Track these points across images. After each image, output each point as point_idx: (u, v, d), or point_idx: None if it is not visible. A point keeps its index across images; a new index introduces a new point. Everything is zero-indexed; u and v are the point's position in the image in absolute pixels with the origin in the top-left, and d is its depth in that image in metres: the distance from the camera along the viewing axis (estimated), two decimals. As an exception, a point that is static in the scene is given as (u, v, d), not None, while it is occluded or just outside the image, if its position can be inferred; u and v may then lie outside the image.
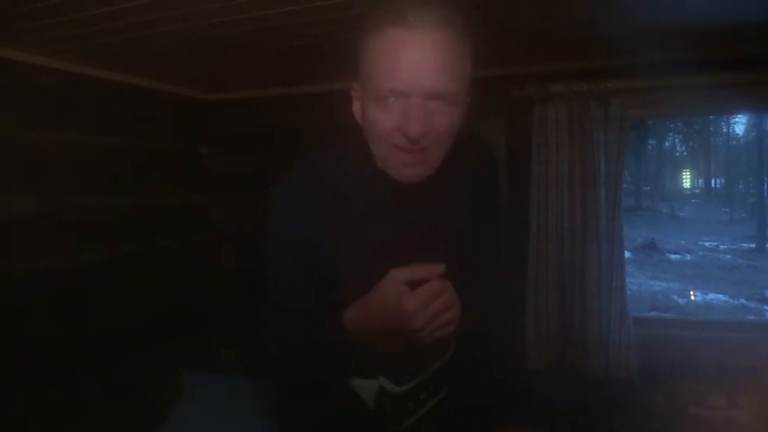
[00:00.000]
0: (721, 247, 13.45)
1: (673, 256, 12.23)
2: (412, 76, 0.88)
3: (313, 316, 1.00)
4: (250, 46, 1.99)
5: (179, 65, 2.28)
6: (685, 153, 24.42)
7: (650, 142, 21.28)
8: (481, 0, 1.51)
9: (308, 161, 1.08)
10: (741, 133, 22.67)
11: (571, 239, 2.32)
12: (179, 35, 1.79)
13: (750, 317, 7.69)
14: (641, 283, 9.67)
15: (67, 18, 1.57)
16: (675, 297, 8.83)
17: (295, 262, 1.04)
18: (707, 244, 13.81)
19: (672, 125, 19.94)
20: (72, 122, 2.16)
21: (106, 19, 1.58)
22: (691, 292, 8.89)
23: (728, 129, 22.45)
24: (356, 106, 1.02)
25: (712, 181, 24.70)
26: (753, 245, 13.31)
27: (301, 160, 1.07)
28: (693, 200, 22.63)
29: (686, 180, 25.13)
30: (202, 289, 2.89)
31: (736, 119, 20.93)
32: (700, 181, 25.51)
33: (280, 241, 1.07)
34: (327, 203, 1.01)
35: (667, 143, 23.27)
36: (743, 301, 8.49)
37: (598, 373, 2.28)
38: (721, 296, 8.77)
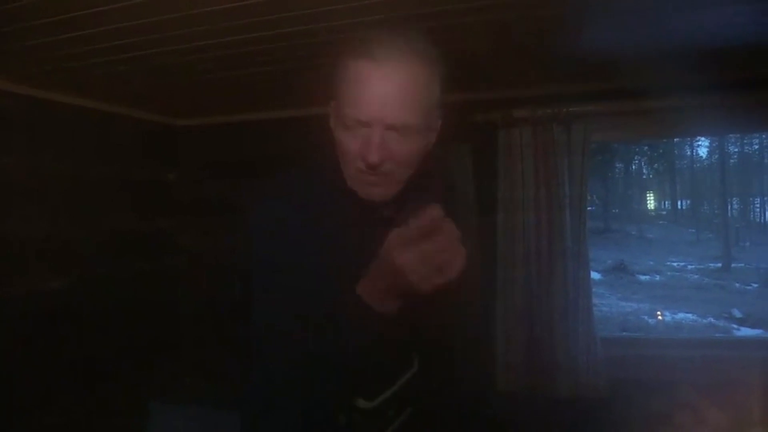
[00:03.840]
0: (689, 267, 13.64)
1: (642, 277, 12.36)
2: (374, 109, 0.92)
3: (299, 335, 0.97)
4: (219, 72, 2.00)
5: (149, 91, 2.28)
6: (651, 175, 24.84)
7: (617, 165, 21.62)
8: (443, 26, 1.55)
9: (284, 180, 1.08)
10: (704, 156, 23.19)
11: (537, 261, 2.36)
12: (148, 61, 1.79)
13: (718, 335, 7.80)
14: (612, 305, 9.75)
15: (33, 43, 1.56)
16: (645, 317, 8.93)
17: (279, 282, 1.03)
18: (675, 264, 14.00)
19: (637, 148, 20.28)
20: (40, 148, 2.14)
21: (73, 44, 1.58)
22: (658, 313, 9.00)
23: (692, 152, 22.95)
24: (332, 122, 1.03)
25: (678, 203, 25.18)
26: (719, 265, 13.51)
27: (277, 179, 1.08)
28: (660, 222, 22.97)
29: (653, 202, 25.58)
30: (171, 315, 2.85)
31: (699, 142, 21.43)
32: (666, 202, 25.96)
33: (262, 262, 1.05)
34: (306, 221, 1.01)
35: (633, 166, 23.68)
36: (711, 319, 8.62)
37: (568, 393, 2.30)
38: (689, 315, 8.90)
